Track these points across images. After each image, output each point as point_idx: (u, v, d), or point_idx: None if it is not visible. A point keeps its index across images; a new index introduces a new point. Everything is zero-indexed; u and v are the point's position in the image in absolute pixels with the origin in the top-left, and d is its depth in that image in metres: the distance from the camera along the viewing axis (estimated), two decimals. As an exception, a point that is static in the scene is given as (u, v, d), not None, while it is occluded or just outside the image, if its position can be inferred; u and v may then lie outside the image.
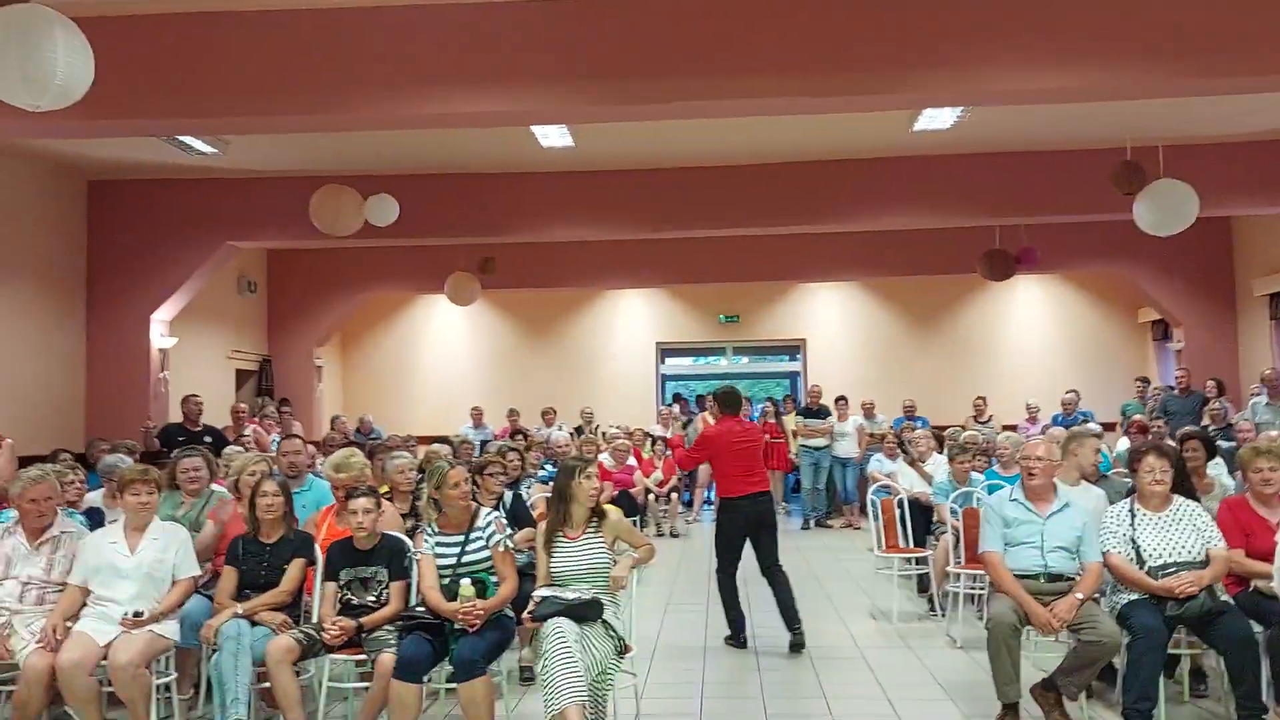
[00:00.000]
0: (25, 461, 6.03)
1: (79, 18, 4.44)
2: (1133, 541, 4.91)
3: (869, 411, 13.60)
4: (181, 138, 9.17)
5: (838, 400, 13.39)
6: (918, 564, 7.96)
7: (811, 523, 12.96)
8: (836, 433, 13.17)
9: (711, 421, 13.61)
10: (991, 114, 9.34)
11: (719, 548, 6.77)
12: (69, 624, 4.63)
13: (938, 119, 9.47)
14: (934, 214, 11.32)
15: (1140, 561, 4.86)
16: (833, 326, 16.13)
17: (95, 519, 5.88)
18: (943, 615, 7.25)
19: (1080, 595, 4.77)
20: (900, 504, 7.85)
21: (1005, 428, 11.79)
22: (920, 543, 7.90)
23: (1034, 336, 15.86)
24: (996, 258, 12.08)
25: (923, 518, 8.21)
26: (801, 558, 10.12)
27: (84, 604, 4.74)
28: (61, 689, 4.49)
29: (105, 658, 4.53)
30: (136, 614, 4.64)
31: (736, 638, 6.67)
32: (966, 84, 6.62)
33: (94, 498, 6.44)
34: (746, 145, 10.48)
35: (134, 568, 4.77)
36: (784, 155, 10.90)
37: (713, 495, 13.84)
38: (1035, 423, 12.75)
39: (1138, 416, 10.93)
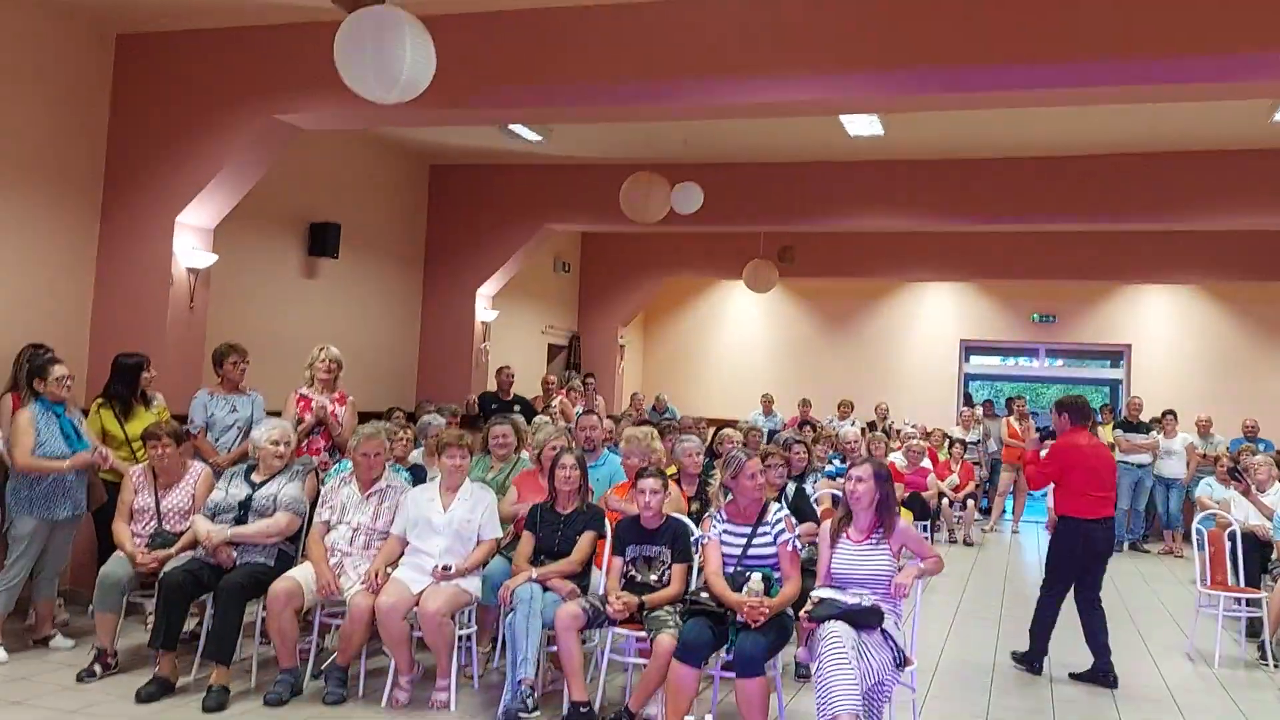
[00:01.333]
0: (364, 418, 6.74)
1: (424, 15, 4.85)
2: None
3: (1204, 429, 12.27)
4: (511, 126, 9.82)
5: (1165, 414, 12.16)
6: (1248, 605, 7.12)
7: (1125, 545, 11.90)
8: (1162, 450, 11.98)
9: (1017, 427, 12.94)
10: (1377, 100, 8.10)
11: (1057, 568, 6.25)
12: (389, 570, 5.12)
13: (1305, 108, 8.33)
14: (1293, 211, 10.00)
15: None
16: (1162, 332, 14.71)
17: (418, 475, 6.47)
18: (1275, 665, 6.45)
19: None
20: (1232, 535, 7.04)
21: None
22: (1253, 581, 7.06)
23: None
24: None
25: (1258, 553, 7.32)
26: (1111, 583, 9.31)
27: (402, 553, 5.22)
28: (380, 629, 4.98)
29: (417, 605, 4.97)
30: (445, 568, 5.06)
31: (1032, 664, 6.25)
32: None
33: (416, 455, 7.07)
34: (1071, 134, 9.72)
35: (445, 524, 5.20)
36: (1116, 146, 10.01)
37: (1045, 507, 13.11)
38: None
39: None
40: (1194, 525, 7.38)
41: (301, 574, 5.14)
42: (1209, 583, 6.98)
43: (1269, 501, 8.04)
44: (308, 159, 9.57)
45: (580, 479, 5.34)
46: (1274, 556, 7.16)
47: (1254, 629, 7.11)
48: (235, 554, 5.27)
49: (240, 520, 5.34)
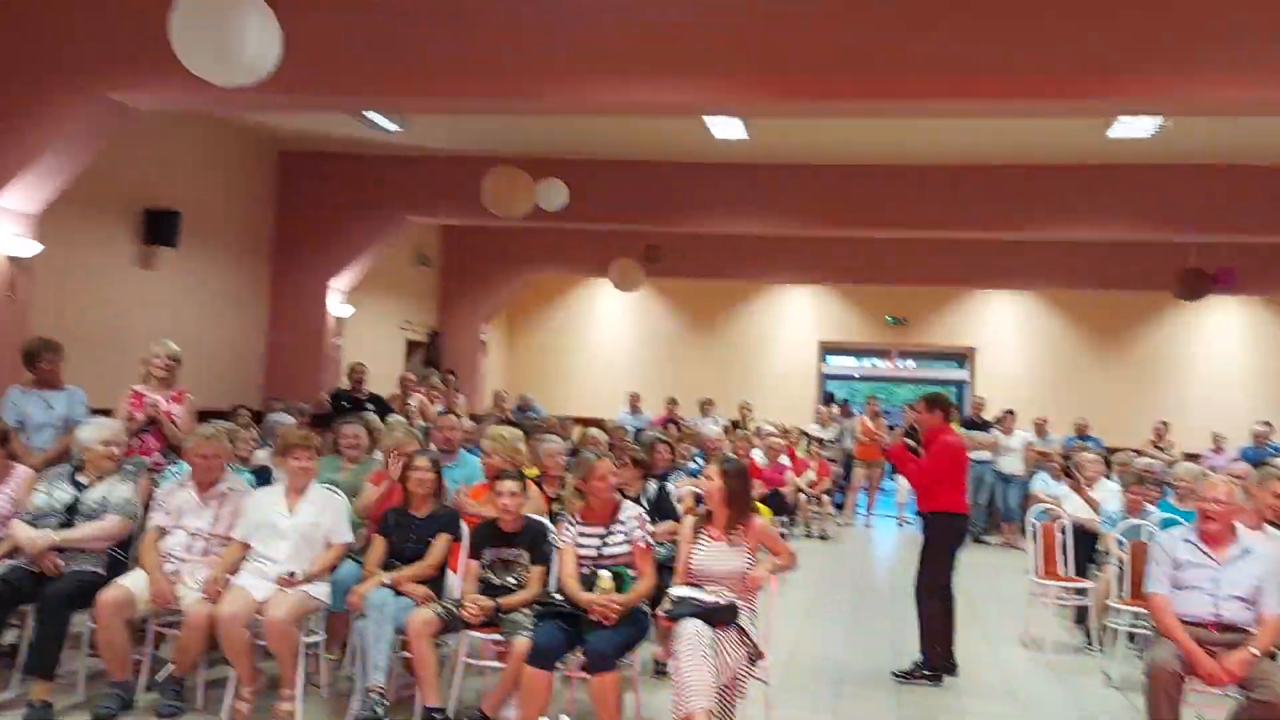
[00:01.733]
0: (206, 416, 6.43)
1: (273, -2, 4.65)
2: (1325, 598, 4.47)
3: (1040, 428, 12.94)
4: (367, 113, 9.54)
5: (1005, 413, 12.80)
6: (1077, 594, 7.52)
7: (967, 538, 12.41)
8: (1002, 447, 12.59)
9: (871, 425, 13.36)
10: (1197, 122, 8.69)
11: (944, 565, 6.16)
12: (229, 577, 4.89)
13: (1136, 127, 8.88)
14: (1127, 226, 10.67)
15: (1331, 621, 4.42)
16: (1005, 336, 15.46)
17: (264, 477, 6.20)
18: (1100, 650, 6.84)
19: (1256, 650, 4.38)
20: (1063, 529, 7.43)
21: (1187, 456, 11.03)
22: (1082, 571, 7.46)
23: (1226, 362, 14.77)
24: (1192, 276, 11.27)
25: (1087, 545, 7.75)
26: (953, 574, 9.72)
27: (244, 559, 4.99)
28: (219, 638, 4.74)
29: (260, 612, 4.76)
30: (291, 574, 4.86)
31: (941, 675, 6.03)
32: (1168, 93, 6.15)
33: (263, 456, 6.78)
34: (926, 145, 10.11)
35: (291, 528, 4.99)
36: (966, 158, 10.47)
37: (894, 502, 13.58)
38: (1221, 453, 11.88)
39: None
40: (1030, 518, 7.75)
41: (134, 582, 4.85)
42: (1042, 573, 7.34)
43: (1097, 496, 8.55)
44: (144, 141, 9.07)
45: (435, 482, 5.23)
46: (1100, 548, 7.58)
47: (1081, 616, 7.52)
48: (62, 561, 4.94)
49: (66, 525, 5.01)
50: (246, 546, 4.99)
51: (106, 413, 6.04)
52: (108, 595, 4.72)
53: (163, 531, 5.07)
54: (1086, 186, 10.46)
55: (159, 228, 9.32)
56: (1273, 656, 4.53)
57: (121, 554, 5.17)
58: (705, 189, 11.19)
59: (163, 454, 6.09)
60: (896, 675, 6.04)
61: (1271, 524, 5.49)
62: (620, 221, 11.74)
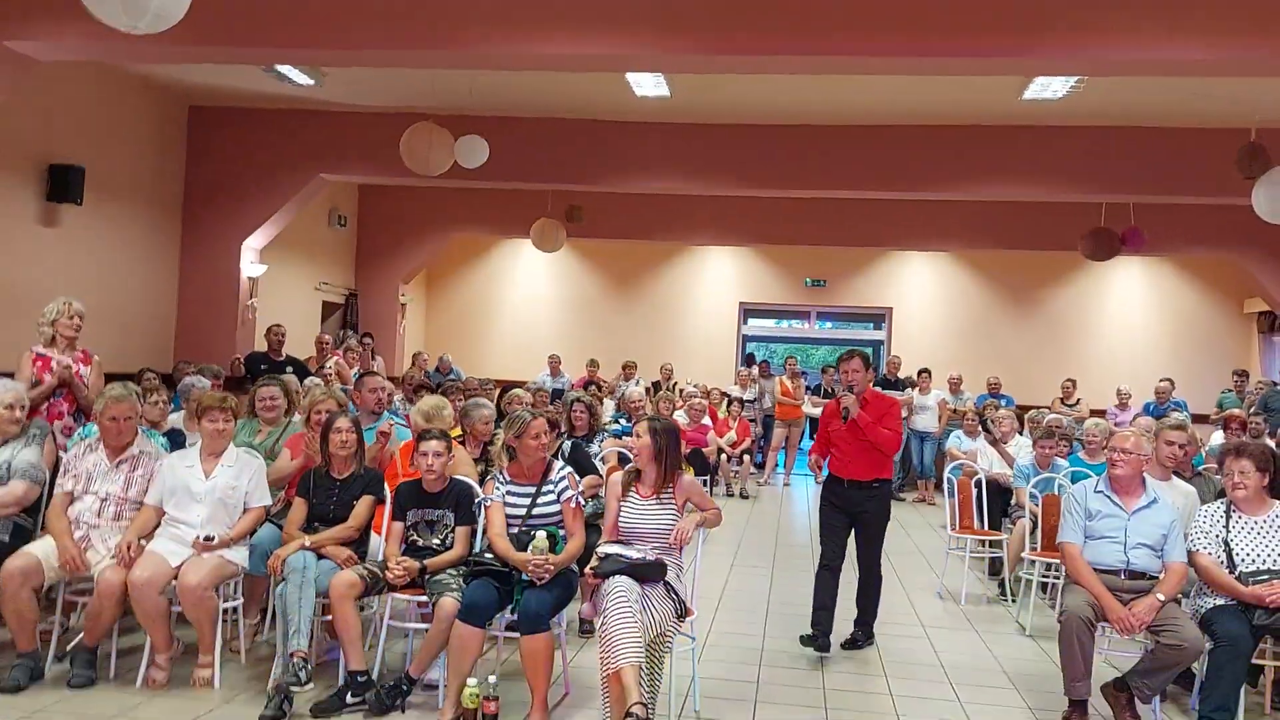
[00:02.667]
0: (111, 379, 6.19)
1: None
2: (1225, 544, 4.68)
3: (955, 387, 13.23)
4: (279, 67, 9.23)
5: (920, 373, 13.09)
6: (991, 547, 7.76)
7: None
8: (917, 405, 12.87)
9: (790, 385, 13.57)
10: (1107, 85, 8.89)
11: (882, 532, 5.90)
12: (143, 542, 4.74)
13: (1049, 88, 9.05)
14: (1039, 187, 10.90)
15: (1231, 565, 4.63)
16: (921, 297, 15.74)
17: (176, 440, 6.02)
18: (1013, 601, 7.06)
19: (1162, 596, 4.56)
20: (978, 484, 7.63)
21: (1093, 412, 11.42)
22: (996, 525, 7.69)
23: (1132, 321, 15.28)
24: (1100, 237, 11.59)
25: (1000, 500, 7.99)
26: (871, 530, 9.94)
27: (158, 524, 4.84)
28: (132, 605, 4.60)
29: (175, 578, 4.63)
30: (208, 538, 4.73)
31: (861, 641, 5.89)
32: (1081, 52, 6.28)
33: (176, 419, 6.58)
34: (848, 104, 10.17)
35: (207, 492, 4.85)
36: (886, 118, 10.57)
37: (795, 463, 13.77)
38: (1126, 409, 12.30)
39: (1236, 411, 10.45)
40: (945, 474, 7.95)
41: (41, 549, 4.68)
42: (957, 527, 7.54)
43: (1011, 451, 8.82)
44: (47, 94, 8.65)
45: (356, 442, 5.13)
46: (1013, 502, 7.81)
47: (995, 568, 7.76)
48: (-39, 530, 4.73)
49: (-34, 492, 4.79)
50: (161, 511, 4.84)
51: (8, 375, 5.78)
52: (13, 564, 4.55)
53: (71, 497, 4.89)
54: (1000, 147, 10.66)
55: (62, 184, 8.92)
56: (1178, 602, 4.73)
57: (28, 521, 4.97)
58: (627, 147, 11.12)
59: (73, 417, 5.87)
60: (846, 646, 5.81)
61: (1178, 475, 5.72)
62: (541, 180, 11.60)
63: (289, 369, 9.07)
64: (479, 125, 9.77)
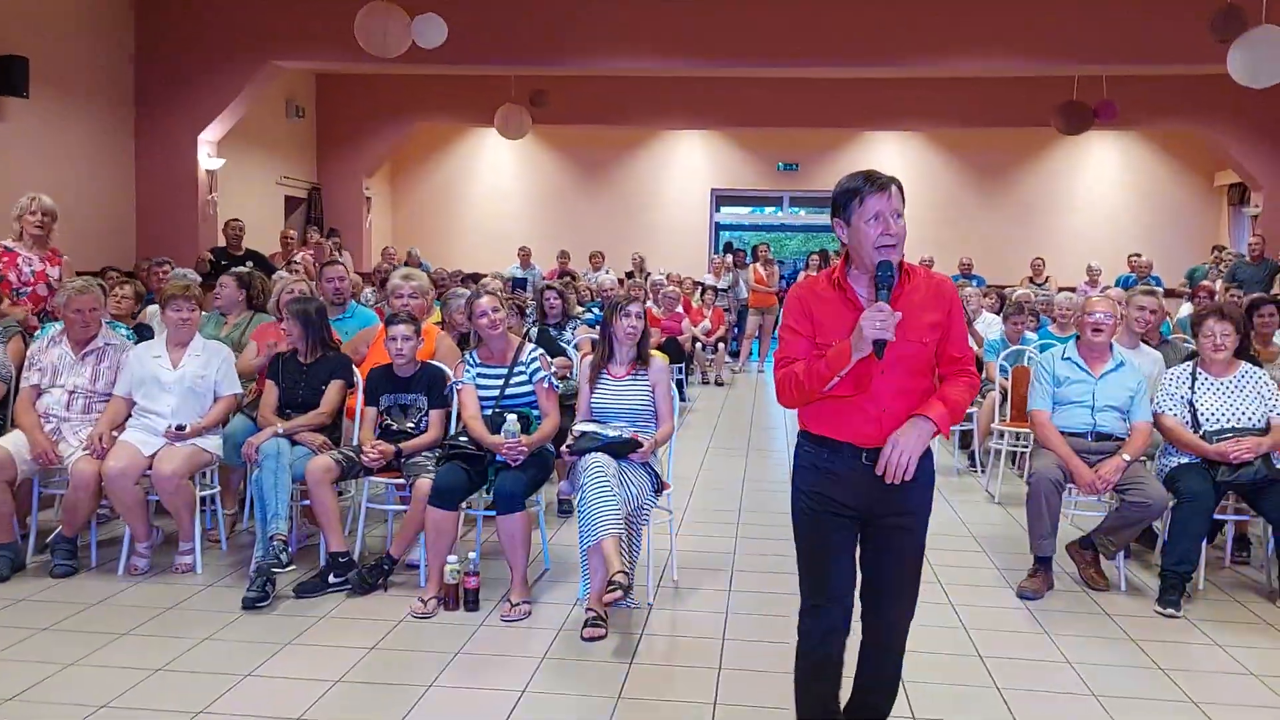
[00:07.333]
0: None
1: None
2: (1190, 405, 4.76)
3: (927, 268, 13.20)
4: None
5: (892, 255, 13.05)
6: (964, 420, 7.88)
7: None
8: (889, 287, 12.86)
9: (763, 273, 13.52)
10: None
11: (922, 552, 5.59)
12: (115, 434, 4.71)
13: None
14: (1011, 59, 10.75)
15: (1196, 425, 4.72)
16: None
17: (146, 336, 5.92)
18: (983, 472, 7.20)
19: (1127, 456, 4.64)
20: (949, 360, 7.68)
21: (1063, 289, 11.50)
22: (966, 400, 7.78)
23: (1103, 197, 15.29)
24: (1073, 110, 11.50)
25: (971, 375, 8.07)
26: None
27: (129, 415, 4.80)
28: (108, 496, 4.60)
29: (150, 468, 4.62)
30: (179, 427, 4.70)
31: None
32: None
33: (152, 312, 6.46)
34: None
35: (176, 381, 4.80)
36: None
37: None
38: (1095, 286, 12.39)
39: (1205, 281, 10.55)
40: (918, 351, 8.00)
41: (11, 443, 4.65)
42: (930, 402, 7.61)
43: (980, 329, 8.87)
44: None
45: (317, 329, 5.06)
46: (983, 376, 7.90)
47: (965, 441, 7.89)
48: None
49: (-71, 390, 4.73)
50: (130, 402, 4.80)
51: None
52: (-16, 457, 4.51)
53: (38, 390, 4.83)
54: (972, 18, 10.46)
55: (5, 75, 8.61)
56: (1144, 463, 4.83)
57: (-5, 416, 4.92)
58: (592, 24, 10.80)
59: (38, 317, 5.74)
60: None
61: (1145, 341, 5.78)
62: (503, 61, 11.28)
63: (249, 264, 8.92)
64: (436, 4, 9.43)
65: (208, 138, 10.92)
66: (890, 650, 2.87)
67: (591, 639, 4.01)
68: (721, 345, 12.62)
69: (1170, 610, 4.42)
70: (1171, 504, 4.61)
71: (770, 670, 3.74)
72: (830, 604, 2.79)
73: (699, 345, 12.18)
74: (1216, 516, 4.77)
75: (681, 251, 15.51)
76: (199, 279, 6.91)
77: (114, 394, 4.84)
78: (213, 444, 4.86)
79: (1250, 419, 4.67)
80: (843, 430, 2.75)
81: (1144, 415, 4.79)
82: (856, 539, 2.82)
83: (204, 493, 4.92)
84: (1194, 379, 4.83)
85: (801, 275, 11.85)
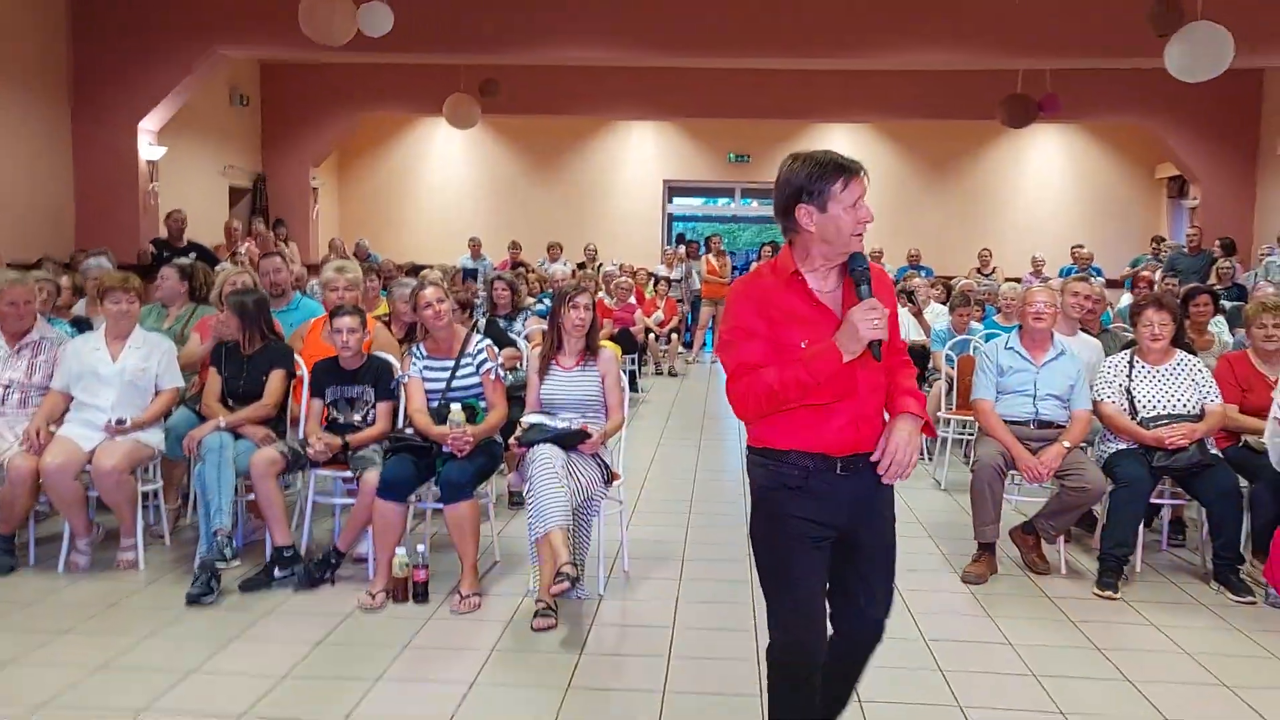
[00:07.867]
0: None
1: None
2: (1128, 392, 4.86)
3: (877, 259, 13.35)
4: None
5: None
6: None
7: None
8: (838, 278, 12.97)
9: (715, 263, 13.56)
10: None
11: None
12: (52, 428, 4.61)
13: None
14: (957, 53, 10.87)
15: (1133, 412, 4.82)
16: (843, 170, 15.75)
17: (83, 328, 5.80)
18: (929, 459, 7.30)
19: (1068, 444, 4.74)
20: (898, 350, 7.77)
21: (1009, 279, 11.67)
22: (915, 387, 7.87)
23: (1047, 189, 15.54)
24: (1018, 103, 11.66)
25: (918, 364, 8.18)
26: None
27: (66, 410, 4.71)
28: (47, 491, 4.51)
29: (90, 463, 4.53)
30: (119, 421, 4.61)
31: None
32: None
33: (81, 307, 6.35)
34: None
35: (115, 374, 4.71)
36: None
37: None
38: (1039, 276, 12.59)
39: (1144, 272, 10.78)
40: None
41: (-57, 440, 4.52)
42: (878, 391, 7.69)
43: (928, 318, 9.01)
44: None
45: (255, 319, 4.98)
46: (930, 365, 8.01)
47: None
48: None
49: None
50: (68, 397, 4.70)
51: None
52: (-86, 455, 4.39)
53: (-30, 386, 4.71)
54: (918, 12, 10.55)
55: (-68, 62, 8.35)
56: (1084, 449, 4.93)
57: (-74, 412, 4.79)
58: (542, 13, 10.72)
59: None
60: None
61: (1085, 330, 5.89)
62: (452, 50, 11.18)
63: (192, 255, 8.78)
64: (384, -7, 9.33)
65: (148, 126, 10.69)
66: (870, 647, 2.72)
67: (541, 629, 4.02)
68: (675, 336, 12.65)
69: (1108, 592, 4.53)
70: (1110, 489, 4.71)
71: (719, 657, 3.77)
72: (811, 633, 2.53)
73: (652, 336, 12.20)
74: (1153, 501, 4.89)
75: (634, 242, 15.51)
76: (113, 267, 6.78)
77: (51, 388, 4.73)
78: (154, 438, 4.78)
79: (1185, 406, 4.78)
80: (814, 440, 2.47)
81: (1084, 403, 4.89)
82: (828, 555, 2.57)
83: (146, 488, 4.83)
84: (1131, 367, 4.93)
85: (755, 266, 11.86)
